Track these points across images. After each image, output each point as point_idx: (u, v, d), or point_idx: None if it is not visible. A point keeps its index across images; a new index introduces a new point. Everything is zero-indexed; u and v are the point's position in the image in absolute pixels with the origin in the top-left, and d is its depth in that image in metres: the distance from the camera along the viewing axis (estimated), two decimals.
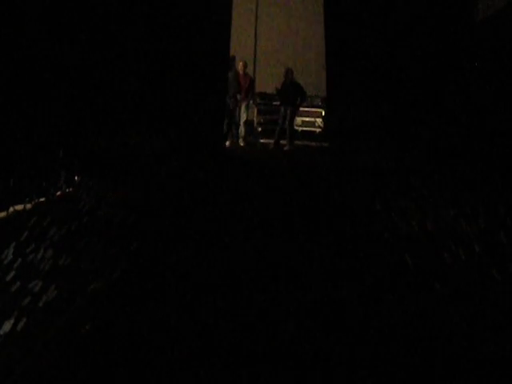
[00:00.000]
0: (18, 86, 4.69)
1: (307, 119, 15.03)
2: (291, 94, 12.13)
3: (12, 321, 2.18)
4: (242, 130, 12.62)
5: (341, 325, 2.55)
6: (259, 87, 14.15)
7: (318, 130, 14.26)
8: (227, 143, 11.81)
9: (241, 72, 12.33)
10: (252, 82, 12.76)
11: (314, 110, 15.06)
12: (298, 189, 6.53)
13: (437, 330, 2.51)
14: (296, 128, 13.28)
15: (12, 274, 2.51)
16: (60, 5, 5.42)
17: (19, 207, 3.44)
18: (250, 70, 13.43)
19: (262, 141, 13.41)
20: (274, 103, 14.33)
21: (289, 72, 12.25)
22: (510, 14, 7.09)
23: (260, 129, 14.06)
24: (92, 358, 2.14)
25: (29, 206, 3.46)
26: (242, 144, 12.60)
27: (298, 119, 15.33)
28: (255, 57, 17.08)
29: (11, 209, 3.39)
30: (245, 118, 12.49)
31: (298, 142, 13.12)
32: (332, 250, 3.80)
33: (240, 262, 3.42)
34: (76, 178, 4.09)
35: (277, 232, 4.28)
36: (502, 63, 6.65)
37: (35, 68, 4.87)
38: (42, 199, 3.67)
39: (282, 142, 12.50)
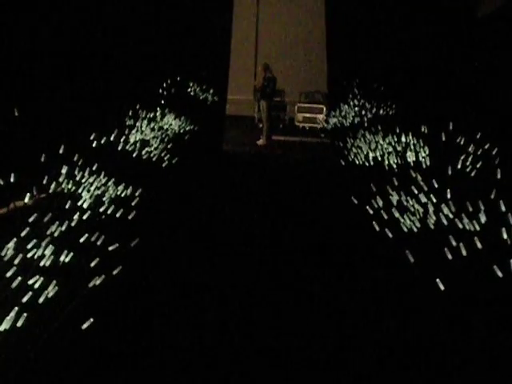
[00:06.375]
0: (19, 81, 4.69)
1: (309, 115, 14.95)
2: (268, 87, 12.41)
3: (13, 316, 2.18)
4: None
5: None
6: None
7: (319, 126, 14.20)
8: None
9: None
10: None
11: (315, 106, 14.97)
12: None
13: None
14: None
15: (13, 269, 2.51)
16: (62, 3, 5.42)
17: (20, 203, 3.43)
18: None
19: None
20: (275, 99, 14.31)
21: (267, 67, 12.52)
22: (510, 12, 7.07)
23: (261, 125, 14.01)
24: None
25: (29, 201, 3.45)
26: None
27: (300, 115, 15.27)
28: (256, 53, 17.08)
29: (12, 205, 3.38)
30: None
31: (296, 139, 13.28)
32: None
33: None
34: (77, 173, 4.07)
35: None
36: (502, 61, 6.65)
37: (36, 64, 4.86)
38: (43, 195, 3.67)
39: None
